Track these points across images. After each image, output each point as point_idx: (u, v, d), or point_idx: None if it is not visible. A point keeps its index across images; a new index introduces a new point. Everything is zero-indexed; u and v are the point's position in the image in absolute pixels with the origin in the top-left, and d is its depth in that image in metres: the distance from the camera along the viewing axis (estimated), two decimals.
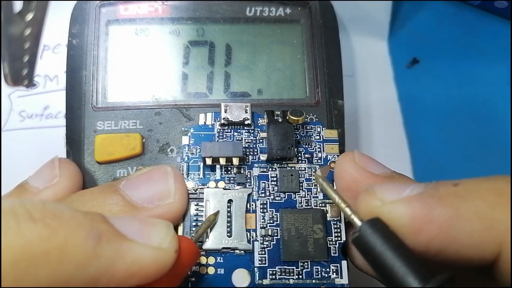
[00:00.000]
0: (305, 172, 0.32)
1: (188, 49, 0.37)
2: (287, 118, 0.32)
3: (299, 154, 0.32)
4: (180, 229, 0.30)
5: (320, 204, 0.31)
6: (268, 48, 0.37)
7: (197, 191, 0.31)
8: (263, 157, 0.32)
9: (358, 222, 0.24)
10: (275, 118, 0.33)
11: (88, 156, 0.33)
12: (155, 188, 0.29)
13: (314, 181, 0.32)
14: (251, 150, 0.32)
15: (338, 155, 0.32)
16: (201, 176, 0.31)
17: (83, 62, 0.35)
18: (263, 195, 0.31)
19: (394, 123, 0.47)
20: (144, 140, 0.33)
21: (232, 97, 0.36)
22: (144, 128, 0.34)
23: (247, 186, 0.31)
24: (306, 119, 0.33)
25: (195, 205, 0.30)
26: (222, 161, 0.31)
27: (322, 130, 0.33)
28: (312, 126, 0.33)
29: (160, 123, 0.34)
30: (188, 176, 0.31)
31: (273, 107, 0.34)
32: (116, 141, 0.33)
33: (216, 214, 0.30)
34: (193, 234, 0.29)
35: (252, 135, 0.33)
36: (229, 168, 0.31)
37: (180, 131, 0.34)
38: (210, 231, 0.30)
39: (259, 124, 0.33)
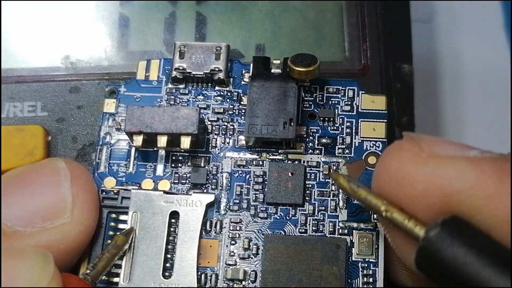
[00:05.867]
0: (318, 171, 0.23)
1: None
2: (287, 69, 0.23)
3: (310, 137, 0.24)
4: (83, 266, 0.22)
5: (341, 230, 0.22)
6: None
7: (118, 194, 0.23)
8: (243, 140, 0.24)
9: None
10: (270, 69, 0.24)
11: None
12: (37, 199, 0.22)
13: (333, 187, 0.23)
14: (223, 126, 0.24)
15: (384, 142, 0.23)
16: (130, 169, 0.24)
17: None
18: (236, 207, 0.23)
19: (502, 102, 0.34)
20: (50, 137, 0.26)
21: None
22: (50, 115, 0.26)
23: (210, 191, 0.23)
24: (320, 72, 0.23)
25: (113, 218, 0.23)
26: (161, 142, 0.22)
27: (359, 95, 0.24)
28: (339, 88, 0.24)
29: (79, 107, 0.26)
30: (108, 169, 0.24)
31: None
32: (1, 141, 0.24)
33: (128, 233, 0.22)
34: (88, 271, 0.21)
35: (228, 100, 0.25)
36: (180, 158, 0.24)
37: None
38: (125, 264, 0.22)
39: (243, 83, 0.25)
